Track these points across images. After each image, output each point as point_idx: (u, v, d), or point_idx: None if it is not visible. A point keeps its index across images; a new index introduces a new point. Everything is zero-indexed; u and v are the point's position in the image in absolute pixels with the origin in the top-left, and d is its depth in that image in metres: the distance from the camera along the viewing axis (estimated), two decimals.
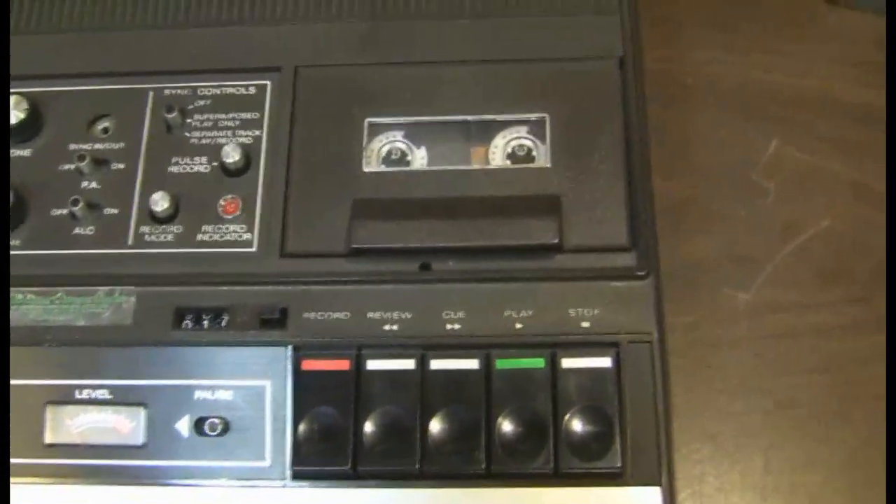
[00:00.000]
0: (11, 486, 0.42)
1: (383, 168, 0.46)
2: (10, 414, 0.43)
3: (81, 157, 0.47)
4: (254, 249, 0.45)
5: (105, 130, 0.49)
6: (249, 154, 0.47)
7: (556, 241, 0.43)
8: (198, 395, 0.43)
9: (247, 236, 0.45)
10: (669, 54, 0.58)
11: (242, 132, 0.48)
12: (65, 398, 0.44)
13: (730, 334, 0.52)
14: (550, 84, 0.47)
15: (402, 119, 0.47)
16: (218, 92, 0.49)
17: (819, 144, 0.56)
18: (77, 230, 0.46)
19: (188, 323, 0.45)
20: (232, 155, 0.46)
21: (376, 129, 0.47)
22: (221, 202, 0.46)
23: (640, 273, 0.44)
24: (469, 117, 0.47)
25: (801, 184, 0.55)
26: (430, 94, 0.48)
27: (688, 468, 0.49)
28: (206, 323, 0.45)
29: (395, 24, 0.50)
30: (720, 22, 0.60)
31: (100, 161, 0.47)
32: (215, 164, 0.47)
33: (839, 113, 0.57)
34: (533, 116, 0.47)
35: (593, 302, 0.43)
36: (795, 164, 0.55)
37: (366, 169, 0.46)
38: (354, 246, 0.44)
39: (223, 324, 0.44)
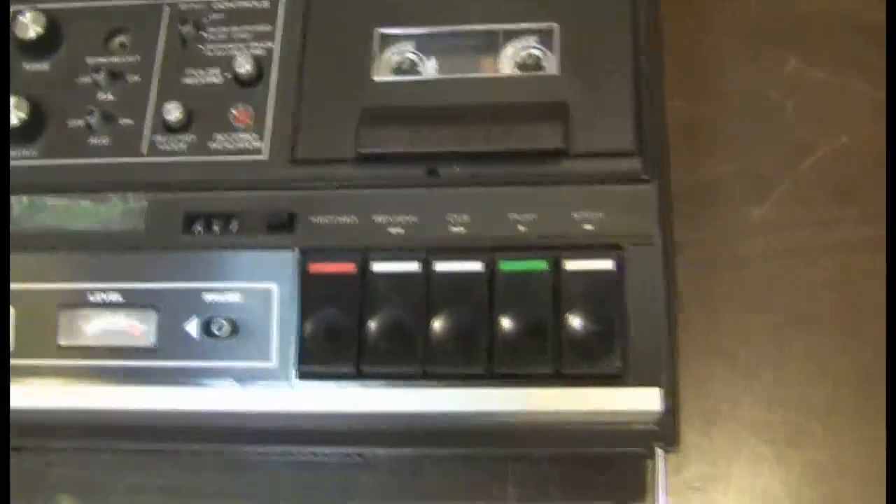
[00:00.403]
0: (27, 386, 0.43)
1: (394, 77, 0.47)
2: (27, 318, 0.44)
3: (97, 70, 0.48)
4: (264, 157, 0.46)
5: (122, 45, 0.49)
6: (262, 65, 0.47)
7: (560, 145, 0.43)
8: (207, 297, 0.44)
9: (258, 144, 0.46)
10: None
11: (256, 44, 0.48)
12: (78, 301, 0.45)
13: (743, 250, 0.53)
14: None
15: (412, 30, 0.48)
16: (232, 5, 0.49)
17: (838, 63, 0.55)
18: (93, 140, 0.47)
19: (198, 228, 0.46)
20: (244, 65, 0.47)
21: (387, 40, 0.48)
22: (234, 112, 0.47)
23: (644, 177, 0.44)
24: (479, 27, 0.47)
25: (819, 102, 0.55)
26: (441, 4, 0.48)
27: (697, 381, 0.50)
28: (216, 228, 0.45)
29: None
30: None
31: (116, 74, 0.48)
32: (228, 75, 0.48)
33: (859, 32, 0.56)
34: (542, 26, 0.47)
35: (597, 205, 0.43)
36: (813, 83, 0.55)
37: (376, 78, 0.47)
38: (361, 151, 0.44)
39: (232, 228, 0.45)
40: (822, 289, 0.51)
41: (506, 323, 0.42)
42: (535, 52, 0.47)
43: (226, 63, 0.48)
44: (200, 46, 0.49)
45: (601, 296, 0.43)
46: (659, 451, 0.43)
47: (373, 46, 0.47)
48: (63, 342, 0.45)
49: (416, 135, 0.44)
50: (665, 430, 0.43)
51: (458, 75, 0.47)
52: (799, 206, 0.53)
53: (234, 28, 0.49)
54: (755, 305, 0.51)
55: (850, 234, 0.52)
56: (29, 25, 0.48)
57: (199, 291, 0.45)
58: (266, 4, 0.49)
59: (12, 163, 0.47)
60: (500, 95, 0.46)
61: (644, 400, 0.42)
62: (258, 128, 0.47)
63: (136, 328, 0.45)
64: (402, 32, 0.48)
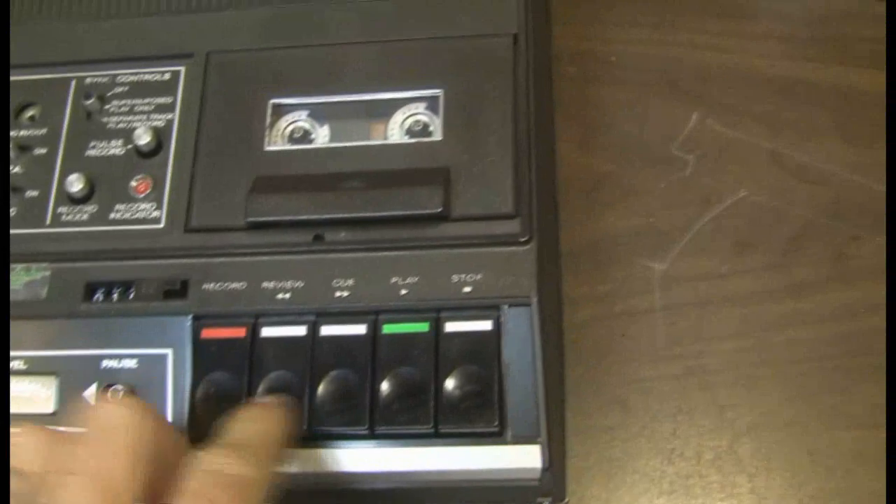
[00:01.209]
0: None
1: (287, 146, 0.48)
2: None
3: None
4: (161, 226, 0.48)
5: (31, 119, 0.51)
6: (161, 136, 0.49)
7: (440, 210, 0.45)
8: (105, 363, 0.46)
9: (156, 213, 0.48)
10: (594, 31, 0.60)
11: (156, 116, 0.50)
12: None
13: (644, 303, 0.53)
14: (447, 61, 0.49)
15: (305, 100, 0.49)
16: (135, 79, 0.51)
17: (740, 118, 0.57)
18: None
19: (99, 296, 0.47)
20: (144, 137, 0.49)
21: (281, 110, 0.49)
22: (133, 182, 0.49)
23: (522, 239, 0.45)
24: (369, 96, 0.49)
25: (721, 156, 0.56)
26: (333, 74, 0.50)
27: (597, 434, 0.51)
28: (114, 296, 0.47)
29: (299, 7, 0.52)
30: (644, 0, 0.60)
31: (24, 147, 0.50)
32: (129, 146, 0.49)
33: (762, 86, 0.58)
34: (429, 93, 0.48)
35: (476, 268, 0.45)
36: (715, 137, 0.57)
37: (269, 148, 0.48)
38: (250, 219, 0.46)
39: (130, 296, 0.46)
40: (721, 340, 0.52)
41: (388, 384, 0.44)
42: (423, 118, 0.48)
43: (127, 135, 0.50)
44: (104, 119, 0.51)
45: (479, 356, 0.44)
46: None
47: (266, 116, 0.49)
48: None
49: (303, 202, 0.46)
50: (548, 485, 0.44)
51: (348, 143, 0.48)
52: (700, 259, 0.54)
53: (137, 100, 0.51)
54: (655, 357, 0.52)
55: (750, 285, 0.53)
56: None
57: (98, 358, 0.46)
58: (167, 77, 0.51)
59: None
60: (388, 162, 0.48)
61: (524, 457, 0.43)
62: (156, 197, 0.49)
63: (39, 394, 0.46)
64: (295, 102, 0.49)
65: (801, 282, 0.53)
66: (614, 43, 0.60)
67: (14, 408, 0.46)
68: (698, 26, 0.60)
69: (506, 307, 0.45)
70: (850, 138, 0.56)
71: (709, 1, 0.60)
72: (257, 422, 0.42)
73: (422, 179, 0.46)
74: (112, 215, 0.49)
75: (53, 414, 0.46)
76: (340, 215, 0.46)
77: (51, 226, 0.49)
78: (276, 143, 0.49)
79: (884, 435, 0.48)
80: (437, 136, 0.48)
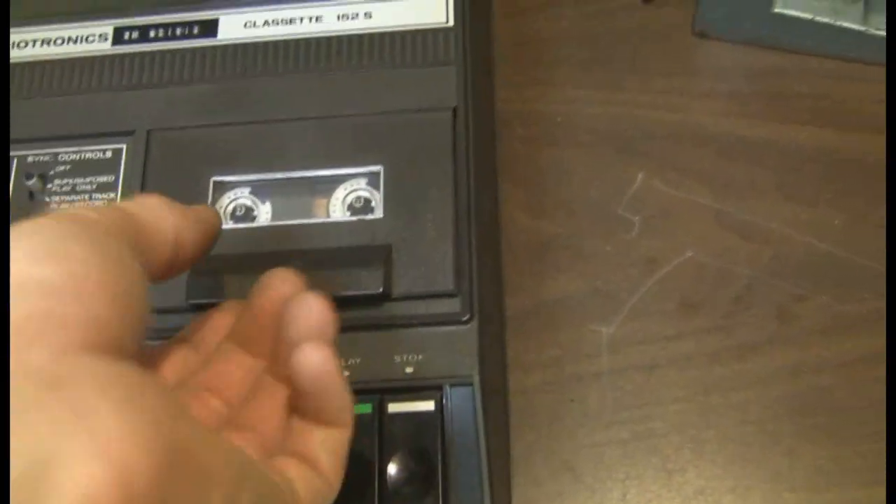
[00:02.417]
0: None
1: (230, 225, 0.48)
2: None
3: None
4: None
5: None
6: None
7: (380, 290, 0.45)
8: None
9: None
10: (540, 93, 0.62)
11: (99, 195, 0.51)
12: None
13: (592, 368, 0.54)
14: (387, 136, 0.50)
15: (246, 177, 0.49)
16: (77, 157, 0.52)
17: (683, 177, 0.58)
18: None
19: None
20: None
21: (223, 187, 0.50)
22: None
23: (463, 318, 0.46)
24: (311, 172, 0.49)
25: (666, 216, 0.57)
26: (274, 151, 0.51)
27: (548, 499, 0.51)
28: None
29: (239, 83, 0.52)
30: (590, 59, 0.62)
31: None
32: None
33: (705, 144, 0.59)
34: (370, 169, 0.49)
35: (418, 348, 0.45)
36: (660, 197, 0.58)
37: None
38: (191, 301, 0.46)
39: None
40: (668, 403, 0.53)
41: None
42: (364, 193, 0.49)
43: None
44: (47, 199, 0.52)
45: (422, 436, 0.45)
46: None
47: (209, 194, 0.49)
48: None
49: (244, 283, 0.46)
50: None
51: (290, 221, 0.49)
52: (646, 322, 0.55)
53: (80, 179, 0.52)
54: (604, 422, 0.53)
55: (695, 347, 0.54)
56: None
57: None
58: (109, 155, 0.52)
59: None
60: (331, 240, 0.48)
61: None
62: None
63: None
64: (236, 180, 0.50)
65: (745, 343, 0.54)
66: (560, 103, 0.61)
67: None
68: (643, 85, 0.61)
69: (448, 387, 0.45)
70: (792, 196, 0.57)
71: (653, 59, 0.62)
72: None
73: (363, 260, 0.47)
74: None
75: None
76: None
77: None
78: None
79: (826, 497, 0.50)
80: (379, 212, 0.49)
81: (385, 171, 0.50)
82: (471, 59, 0.53)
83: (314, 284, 0.45)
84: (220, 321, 0.41)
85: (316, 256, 0.48)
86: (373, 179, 0.50)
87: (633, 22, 0.64)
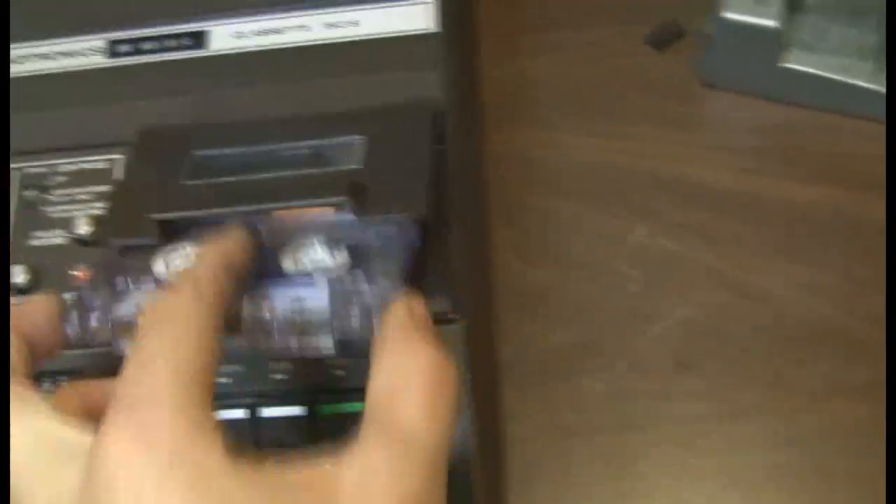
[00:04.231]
0: None
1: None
2: None
3: None
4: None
5: None
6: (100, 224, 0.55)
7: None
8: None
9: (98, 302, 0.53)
10: (540, 138, 0.66)
11: (95, 204, 0.57)
12: None
13: (581, 422, 0.58)
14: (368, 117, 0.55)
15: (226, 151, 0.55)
16: (74, 168, 0.58)
17: (683, 231, 0.62)
18: None
19: (46, 384, 0.53)
20: (83, 227, 0.56)
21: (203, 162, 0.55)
22: (75, 272, 0.55)
23: (451, 318, 0.50)
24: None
25: (663, 271, 0.61)
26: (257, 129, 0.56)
27: None
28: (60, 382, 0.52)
29: (230, 93, 0.60)
30: (593, 106, 0.67)
31: None
32: (70, 235, 0.56)
33: (707, 199, 0.63)
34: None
35: None
36: (659, 251, 0.62)
37: None
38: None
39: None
40: (657, 467, 0.56)
41: None
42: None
43: (68, 224, 0.57)
44: (46, 209, 0.57)
45: None
46: None
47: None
48: None
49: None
50: None
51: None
52: (639, 380, 0.58)
53: (77, 189, 0.58)
54: (587, 480, 0.56)
55: (688, 408, 0.57)
56: None
57: None
58: (105, 165, 0.58)
59: None
60: None
61: None
62: None
63: None
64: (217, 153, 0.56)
65: (738, 406, 0.57)
66: (560, 149, 0.66)
67: None
68: (644, 135, 0.66)
69: None
70: (794, 256, 0.61)
71: (655, 110, 0.67)
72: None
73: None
74: None
75: None
76: None
77: None
78: None
79: None
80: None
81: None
82: (454, 64, 0.58)
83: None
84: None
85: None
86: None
87: (639, 68, 0.68)
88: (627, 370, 0.59)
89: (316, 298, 0.45)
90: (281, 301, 0.45)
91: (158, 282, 0.47)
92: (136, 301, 0.47)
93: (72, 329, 0.47)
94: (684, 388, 0.58)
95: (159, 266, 0.48)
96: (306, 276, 0.46)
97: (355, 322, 0.45)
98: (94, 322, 0.47)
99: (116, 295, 0.47)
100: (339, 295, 0.45)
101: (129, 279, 0.48)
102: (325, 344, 0.45)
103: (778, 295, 0.60)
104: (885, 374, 0.51)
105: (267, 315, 0.45)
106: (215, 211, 0.50)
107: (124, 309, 0.47)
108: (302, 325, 0.45)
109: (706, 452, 0.56)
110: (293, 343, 0.45)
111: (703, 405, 0.57)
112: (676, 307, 0.60)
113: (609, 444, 0.57)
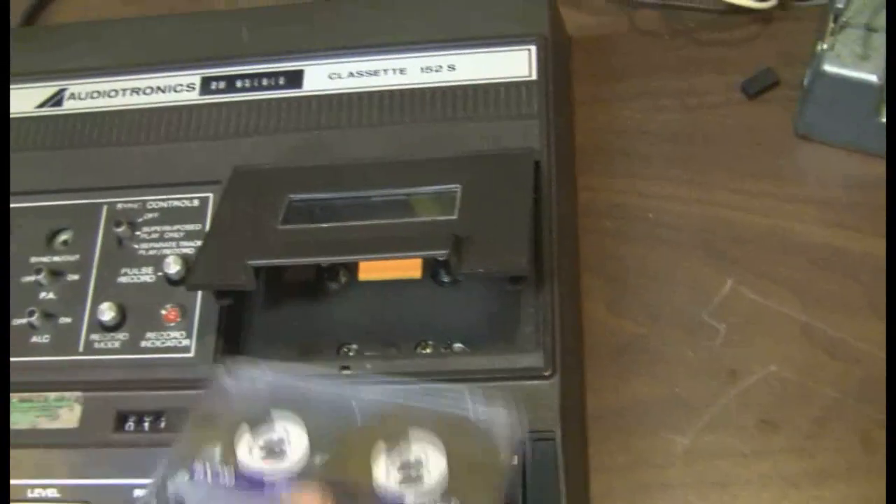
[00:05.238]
0: None
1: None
2: None
3: (38, 270, 0.60)
4: (191, 355, 0.57)
5: (64, 243, 0.61)
6: (190, 264, 0.59)
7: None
8: (137, 493, 0.54)
9: (185, 342, 0.57)
10: (630, 186, 0.68)
11: (186, 243, 0.60)
12: (17, 497, 0.55)
13: (664, 478, 0.59)
14: (467, 167, 0.59)
15: (321, 195, 0.59)
16: (165, 205, 0.61)
17: (773, 286, 0.64)
18: (34, 338, 0.59)
19: (130, 425, 0.56)
20: (173, 266, 0.59)
21: (297, 206, 0.58)
22: (163, 311, 0.58)
23: (545, 373, 0.53)
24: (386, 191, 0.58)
25: (752, 326, 0.63)
26: (350, 175, 0.60)
27: None
28: (146, 425, 0.56)
29: (323, 134, 0.63)
30: (685, 154, 0.69)
31: (56, 273, 0.60)
32: (160, 273, 0.59)
33: (797, 253, 0.65)
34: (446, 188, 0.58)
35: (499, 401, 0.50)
36: (748, 306, 0.63)
37: None
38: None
39: (161, 426, 0.55)
40: None
41: None
42: None
43: (158, 262, 0.60)
44: (135, 246, 0.61)
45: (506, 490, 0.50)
46: None
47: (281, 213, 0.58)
48: None
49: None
50: None
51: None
52: (723, 436, 0.59)
53: (167, 227, 0.61)
54: None
55: (771, 467, 0.58)
56: None
57: (130, 487, 0.55)
58: (196, 203, 0.61)
59: None
60: None
61: None
62: (186, 325, 0.58)
63: None
64: (312, 197, 0.59)
65: (824, 469, 0.57)
66: (651, 198, 0.68)
67: None
68: (736, 186, 0.68)
69: (530, 441, 0.52)
70: (885, 315, 0.61)
71: (748, 160, 0.68)
72: None
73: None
74: (143, 343, 0.58)
75: None
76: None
77: (84, 353, 0.58)
78: None
79: None
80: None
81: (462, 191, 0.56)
82: (553, 113, 0.60)
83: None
84: None
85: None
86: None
87: (733, 118, 0.70)
88: (712, 426, 0.60)
89: None
90: None
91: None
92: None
93: None
94: (769, 446, 0.59)
95: (242, 450, 0.49)
96: None
97: None
98: None
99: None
100: None
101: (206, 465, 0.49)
102: None
103: (868, 354, 0.61)
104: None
105: None
106: (313, 259, 0.54)
107: None
108: None
109: None
110: None
111: (789, 466, 0.58)
112: (764, 363, 0.61)
113: (690, 501, 0.58)
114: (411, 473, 0.47)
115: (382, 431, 0.48)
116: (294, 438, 0.49)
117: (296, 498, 0.46)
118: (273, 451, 0.49)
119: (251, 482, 0.48)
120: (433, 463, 0.47)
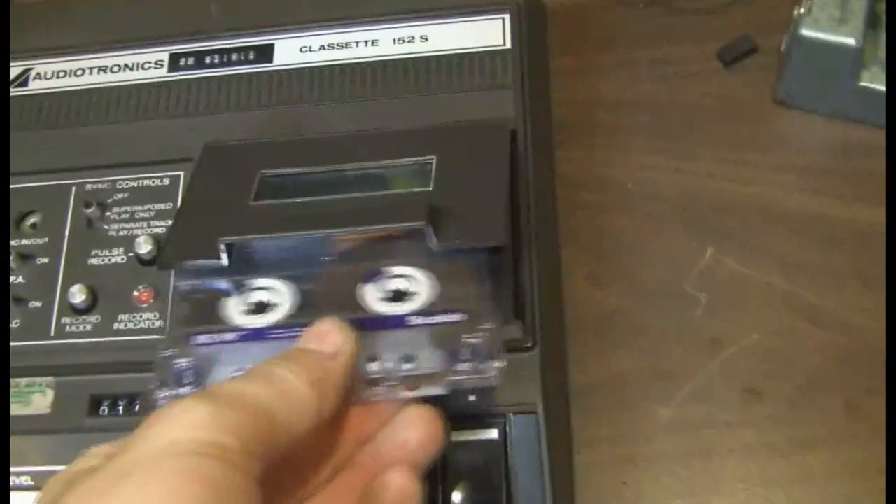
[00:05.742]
0: None
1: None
2: None
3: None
4: (165, 337, 0.57)
5: (33, 226, 0.62)
6: (162, 243, 0.59)
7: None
8: None
9: (158, 324, 0.58)
10: (608, 158, 0.69)
11: (157, 222, 0.60)
12: None
13: (647, 450, 0.60)
14: (442, 138, 0.59)
15: (294, 170, 0.58)
16: (135, 184, 0.62)
17: (754, 255, 0.65)
18: None
19: (104, 409, 0.56)
20: (144, 246, 0.59)
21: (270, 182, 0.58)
22: (135, 292, 0.59)
23: (526, 345, 0.54)
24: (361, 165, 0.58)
25: (733, 295, 0.64)
26: (324, 149, 0.60)
27: None
28: (120, 409, 0.56)
29: (295, 109, 0.63)
30: (663, 126, 0.70)
31: (25, 256, 0.60)
32: (131, 254, 0.59)
33: (779, 222, 0.66)
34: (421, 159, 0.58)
35: None
36: (729, 275, 0.64)
37: None
38: None
39: (136, 409, 0.55)
40: (723, 496, 0.58)
41: None
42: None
43: (128, 243, 0.60)
44: (105, 227, 0.61)
45: (486, 465, 0.52)
46: None
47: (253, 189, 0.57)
48: None
49: None
50: None
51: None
52: (706, 405, 0.60)
53: (137, 207, 0.61)
54: None
55: (755, 436, 0.59)
56: None
57: None
58: (166, 182, 0.62)
59: None
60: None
61: None
62: (159, 306, 0.58)
63: None
64: (285, 172, 0.59)
65: (809, 436, 0.58)
66: (630, 169, 0.68)
67: None
68: (716, 154, 0.69)
69: (511, 415, 0.52)
70: (869, 282, 0.62)
71: (727, 129, 0.69)
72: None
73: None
74: (116, 326, 0.58)
75: None
76: None
77: (55, 337, 0.58)
78: None
79: None
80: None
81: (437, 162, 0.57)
82: (529, 82, 0.61)
83: None
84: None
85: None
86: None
87: (711, 87, 0.71)
88: (695, 396, 0.61)
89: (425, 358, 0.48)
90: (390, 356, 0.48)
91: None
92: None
93: None
94: (753, 415, 0.60)
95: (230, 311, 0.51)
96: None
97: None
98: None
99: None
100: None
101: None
102: (437, 391, 0.48)
103: (851, 321, 0.62)
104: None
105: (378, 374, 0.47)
106: (286, 234, 0.53)
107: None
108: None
109: (774, 483, 0.58)
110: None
111: (772, 434, 0.59)
112: (746, 332, 0.62)
113: (674, 474, 0.59)
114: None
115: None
116: (278, 293, 0.52)
117: (315, 329, 0.46)
118: (263, 307, 0.51)
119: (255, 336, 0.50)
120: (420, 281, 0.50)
